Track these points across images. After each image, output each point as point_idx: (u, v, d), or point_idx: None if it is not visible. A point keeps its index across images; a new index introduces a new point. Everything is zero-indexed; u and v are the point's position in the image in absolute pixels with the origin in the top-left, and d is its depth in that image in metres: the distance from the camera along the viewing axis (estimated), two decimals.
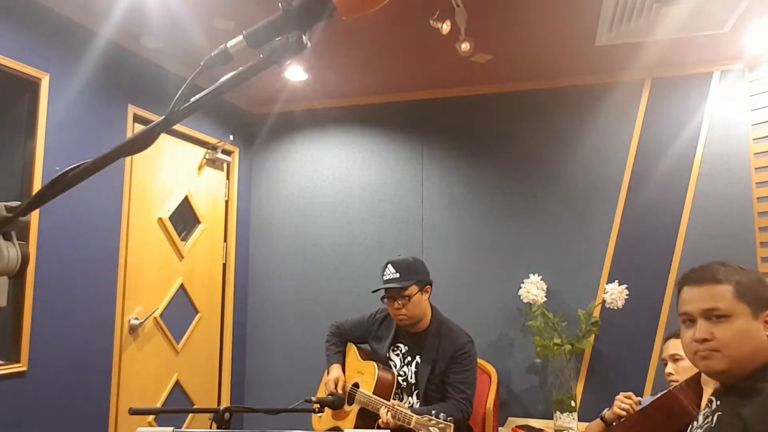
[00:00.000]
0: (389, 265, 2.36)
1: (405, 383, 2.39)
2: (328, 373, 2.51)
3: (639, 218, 3.24)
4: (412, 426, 1.95)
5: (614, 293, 2.97)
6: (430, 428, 1.86)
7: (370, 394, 2.28)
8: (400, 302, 2.31)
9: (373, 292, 2.42)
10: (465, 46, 2.64)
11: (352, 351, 2.60)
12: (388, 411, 2.07)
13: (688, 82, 3.24)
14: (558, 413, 2.99)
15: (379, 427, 2.10)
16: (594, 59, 3.14)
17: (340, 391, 2.39)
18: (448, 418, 1.87)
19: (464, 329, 2.43)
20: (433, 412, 1.94)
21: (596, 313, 3.12)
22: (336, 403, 1.89)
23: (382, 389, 2.30)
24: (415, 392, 2.36)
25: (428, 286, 2.41)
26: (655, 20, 2.64)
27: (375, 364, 2.37)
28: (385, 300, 2.39)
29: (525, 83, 3.49)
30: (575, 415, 2.97)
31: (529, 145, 3.48)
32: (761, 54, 3.03)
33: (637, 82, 3.32)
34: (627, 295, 2.99)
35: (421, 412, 1.99)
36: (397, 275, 2.32)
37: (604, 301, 3.02)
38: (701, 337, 1.20)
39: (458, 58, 2.86)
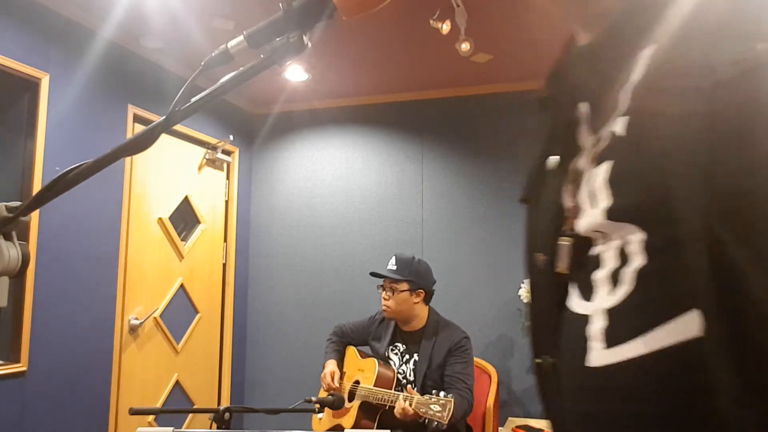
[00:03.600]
0: (393, 257, 2.49)
1: (405, 381, 2.42)
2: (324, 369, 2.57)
3: None
4: (413, 406, 2.01)
5: None
6: (431, 405, 1.93)
7: (372, 386, 2.32)
8: (387, 293, 2.43)
9: (370, 274, 2.52)
10: (465, 46, 2.64)
11: (352, 352, 2.64)
12: (405, 399, 2.09)
13: None
14: None
15: (379, 424, 2.13)
16: None
17: (335, 383, 2.44)
18: (449, 395, 1.95)
19: (462, 328, 2.47)
20: (434, 391, 2.02)
21: None
22: (336, 403, 1.89)
23: (383, 382, 2.34)
24: (414, 389, 2.38)
25: (421, 291, 2.44)
26: None
27: (375, 360, 2.44)
28: (380, 288, 2.50)
29: (525, 83, 3.48)
30: None
31: (529, 145, 3.47)
32: None
33: None
34: None
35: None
36: (395, 267, 2.45)
37: None
38: None
39: (458, 58, 2.86)
